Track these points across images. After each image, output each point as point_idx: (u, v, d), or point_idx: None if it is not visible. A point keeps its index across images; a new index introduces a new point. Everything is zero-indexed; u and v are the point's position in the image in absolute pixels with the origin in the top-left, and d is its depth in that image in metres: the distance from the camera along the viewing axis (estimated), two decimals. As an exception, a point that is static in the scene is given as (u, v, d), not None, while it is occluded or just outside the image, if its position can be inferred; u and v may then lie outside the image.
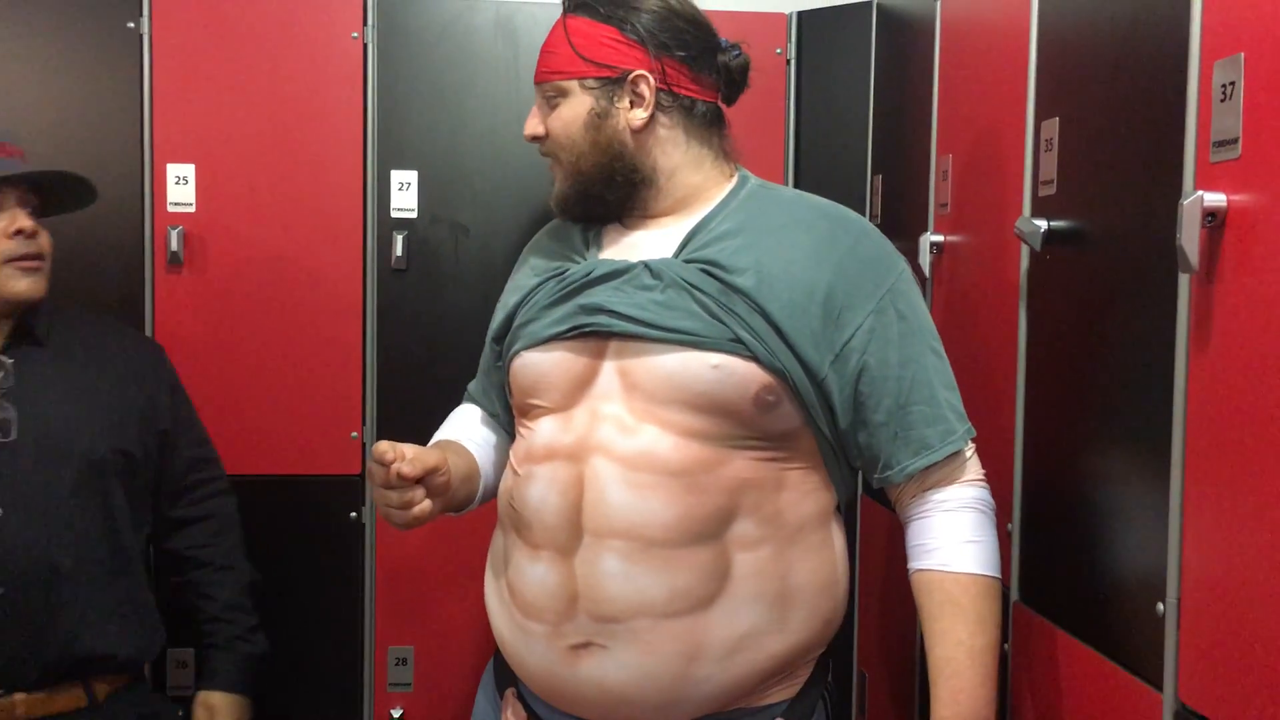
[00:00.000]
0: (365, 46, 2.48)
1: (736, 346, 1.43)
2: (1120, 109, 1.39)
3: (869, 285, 1.49)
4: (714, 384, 1.42)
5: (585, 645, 1.43)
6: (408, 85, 2.49)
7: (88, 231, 2.42)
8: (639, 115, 1.54)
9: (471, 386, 1.84)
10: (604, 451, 1.44)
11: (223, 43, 2.44)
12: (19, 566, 1.71)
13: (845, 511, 1.62)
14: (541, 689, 1.51)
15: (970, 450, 1.54)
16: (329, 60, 2.47)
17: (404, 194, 2.49)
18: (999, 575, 1.49)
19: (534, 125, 1.60)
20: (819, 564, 1.50)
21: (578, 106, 1.55)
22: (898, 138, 2.34)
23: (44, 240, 1.79)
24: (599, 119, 1.54)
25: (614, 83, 1.54)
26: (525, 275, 1.66)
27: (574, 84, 1.55)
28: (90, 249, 2.43)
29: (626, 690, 1.43)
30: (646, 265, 1.50)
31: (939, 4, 2.04)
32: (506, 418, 1.73)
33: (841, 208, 1.60)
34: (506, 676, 1.60)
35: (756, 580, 1.44)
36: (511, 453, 1.61)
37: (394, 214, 2.48)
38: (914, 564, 1.51)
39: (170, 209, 2.43)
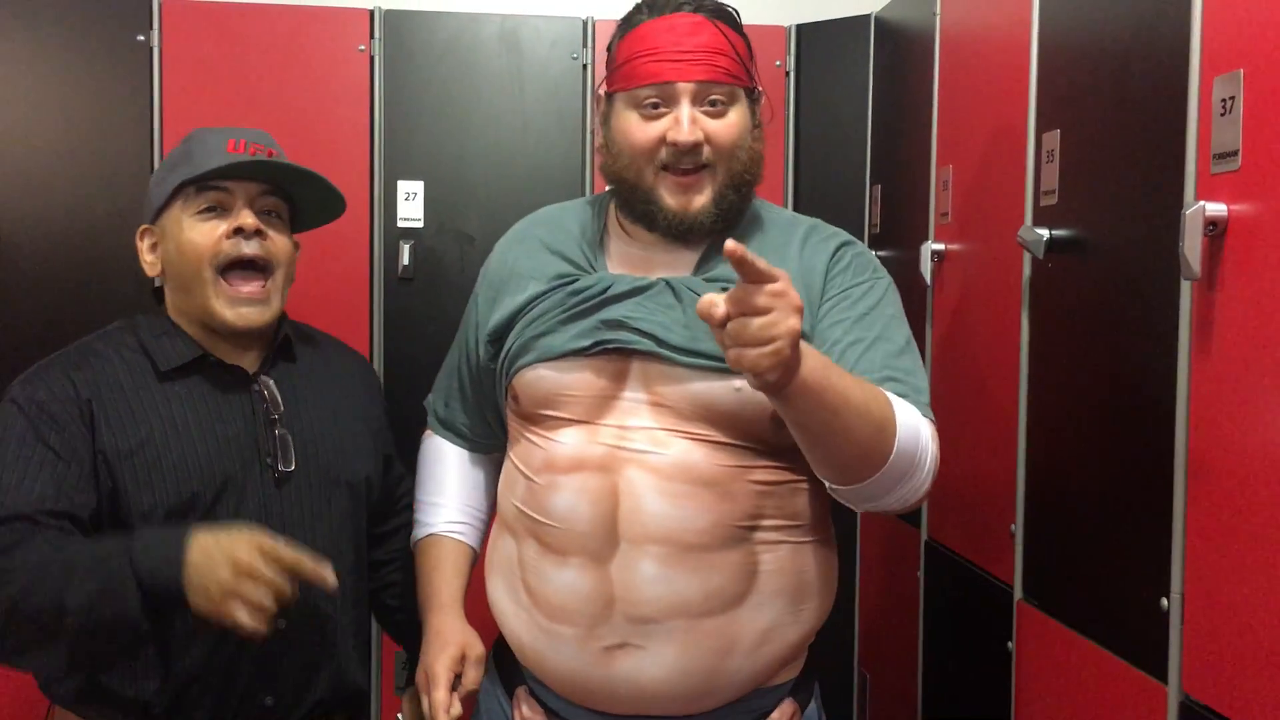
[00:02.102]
0: (372, 59, 2.52)
1: None
2: (1122, 122, 1.44)
3: (819, 269, 1.53)
4: (737, 405, 1.46)
5: (621, 646, 1.47)
6: (414, 97, 2.53)
7: (98, 243, 2.46)
8: (761, 132, 1.56)
9: (445, 412, 1.76)
10: (638, 463, 1.47)
11: (231, 55, 2.47)
12: (301, 598, 1.56)
13: (846, 519, 1.66)
14: (566, 688, 1.53)
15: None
16: (336, 73, 2.51)
17: (410, 204, 2.53)
18: (896, 431, 1.36)
19: (696, 131, 1.48)
20: (824, 558, 1.57)
21: (745, 116, 1.51)
22: (897, 148, 2.39)
23: (274, 246, 1.63)
24: (755, 130, 1.54)
25: (752, 97, 1.55)
26: (519, 278, 1.62)
27: (742, 91, 1.52)
28: (101, 260, 2.46)
29: (662, 687, 1.47)
30: (668, 284, 1.52)
31: (938, 18, 2.09)
32: (492, 430, 1.71)
33: (809, 219, 1.62)
34: (515, 676, 1.62)
35: (779, 577, 1.50)
36: (519, 459, 1.59)
37: (400, 224, 2.52)
38: None
39: (179, 219, 2.46)
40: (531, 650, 1.54)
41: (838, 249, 1.56)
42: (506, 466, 1.63)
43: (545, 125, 2.59)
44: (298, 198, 1.70)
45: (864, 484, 1.38)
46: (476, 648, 1.61)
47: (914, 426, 1.40)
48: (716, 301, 1.18)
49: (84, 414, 1.54)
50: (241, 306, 1.61)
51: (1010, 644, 1.72)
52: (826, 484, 1.44)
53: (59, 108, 2.44)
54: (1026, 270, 1.69)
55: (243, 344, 1.67)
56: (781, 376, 1.21)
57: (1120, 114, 1.45)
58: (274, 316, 1.65)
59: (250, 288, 1.62)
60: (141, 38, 2.45)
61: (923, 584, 2.14)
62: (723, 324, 1.19)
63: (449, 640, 1.61)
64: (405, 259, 2.52)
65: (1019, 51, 1.72)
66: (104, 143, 2.46)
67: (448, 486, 1.74)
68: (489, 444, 1.74)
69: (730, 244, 1.15)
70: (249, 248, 1.60)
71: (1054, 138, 1.61)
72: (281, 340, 1.71)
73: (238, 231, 1.59)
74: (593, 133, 2.56)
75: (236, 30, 2.47)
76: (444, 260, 2.54)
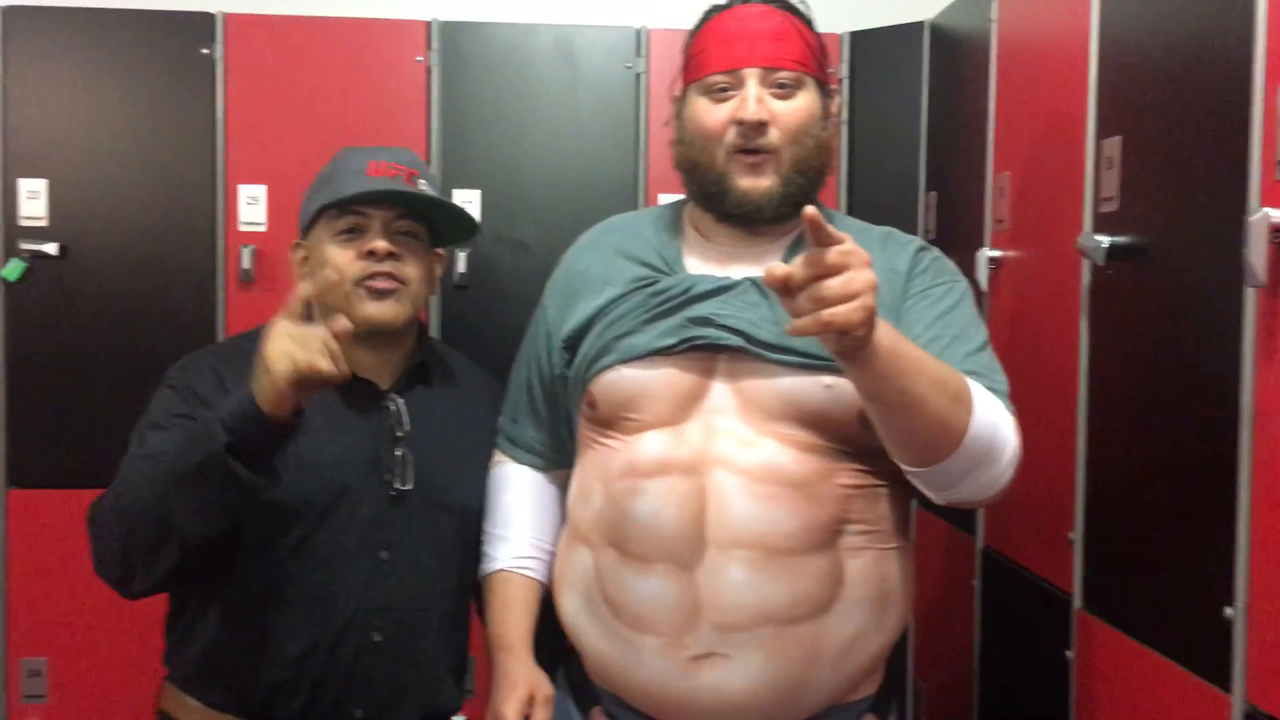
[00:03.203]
0: (429, 70, 2.56)
1: None
2: (1184, 128, 1.43)
3: (901, 271, 1.53)
4: (826, 402, 1.46)
5: (707, 655, 1.45)
6: (470, 107, 2.56)
7: (163, 250, 2.52)
8: (832, 125, 1.58)
9: (514, 429, 1.73)
10: (725, 464, 1.46)
11: (293, 67, 2.52)
12: (398, 615, 1.66)
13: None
14: (649, 701, 1.51)
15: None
16: (394, 83, 2.55)
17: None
18: (972, 406, 1.35)
19: (762, 110, 1.50)
20: (904, 565, 1.56)
21: (813, 103, 1.53)
22: (952, 155, 2.38)
23: (406, 267, 1.68)
24: (824, 120, 1.56)
25: (824, 90, 1.57)
26: (594, 283, 1.62)
27: (810, 79, 1.53)
28: (165, 267, 2.52)
29: (747, 697, 1.45)
30: (753, 282, 1.51)
31: (994, 25, 2.08)
32: (564, 444, 1.69)
33: (882, 227, 1.63)
34: (590, 696, 1.60)
35: (864, 584, 1.48)
36: (596, 466, 1.56)
37: (457, 232, 2.55)
38: None
39: (242, 228, 2.52)
40: (613, 663, 1.52)
41: (917, 252, 1.57)
42: (578, 477, 1.62)
43: (599, 134, 2.61)
44: (434, 219, 1.74)
45: (943, 463, 1.34)
46: (545, 689, 1.59)
47: (993, 410, 1.38)
48: (782, 267, 1.17)
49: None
50: (376, 300, 1.66)
51: (1069, 653, 1.71)
52: (905, 468, 1.40)
53: (126, 119, 2.51)
54: (1086, 277, 1.68)
55: (381, 358, 1.71)
56: (866, 334, 1.21)
57: (1182, 120, 1.44)
58: (405, 317, 1.69)
59: (384, 285, 1.68)
60: (206, 51, 2.51)
61: (979, 592, 2.13)
62: (789, 290, 1.18)
63: (517, 682, 1.59)
64: (461, 266, 2.55)
65: (1078, 57, 1.71)
66: (169, 152, 2.52)
67: (515, 518, 1.70)
68: (560, 459, 1.69)
69: (809, 209, 1.16)
70: (381, 268, 1.66)
71: (1114, 144, 1.60)
72: (419, 363, 1.76)
73: (370, 254, 1.66)
74: (647, 140, 2.59)
75: (298, 43, 2.52)
76: (499, 268, 2.57)
